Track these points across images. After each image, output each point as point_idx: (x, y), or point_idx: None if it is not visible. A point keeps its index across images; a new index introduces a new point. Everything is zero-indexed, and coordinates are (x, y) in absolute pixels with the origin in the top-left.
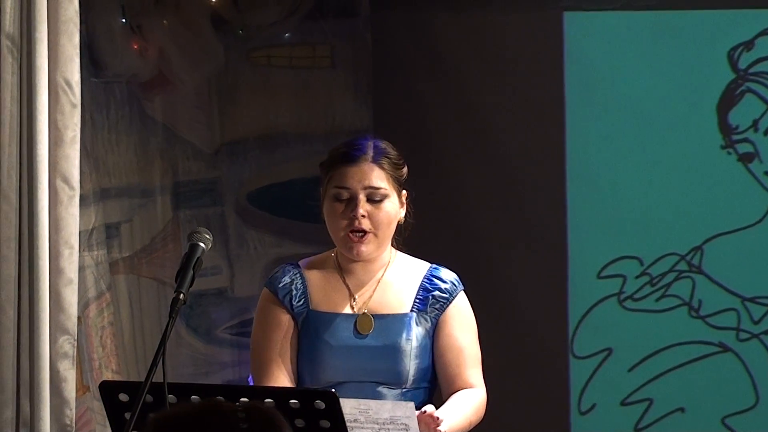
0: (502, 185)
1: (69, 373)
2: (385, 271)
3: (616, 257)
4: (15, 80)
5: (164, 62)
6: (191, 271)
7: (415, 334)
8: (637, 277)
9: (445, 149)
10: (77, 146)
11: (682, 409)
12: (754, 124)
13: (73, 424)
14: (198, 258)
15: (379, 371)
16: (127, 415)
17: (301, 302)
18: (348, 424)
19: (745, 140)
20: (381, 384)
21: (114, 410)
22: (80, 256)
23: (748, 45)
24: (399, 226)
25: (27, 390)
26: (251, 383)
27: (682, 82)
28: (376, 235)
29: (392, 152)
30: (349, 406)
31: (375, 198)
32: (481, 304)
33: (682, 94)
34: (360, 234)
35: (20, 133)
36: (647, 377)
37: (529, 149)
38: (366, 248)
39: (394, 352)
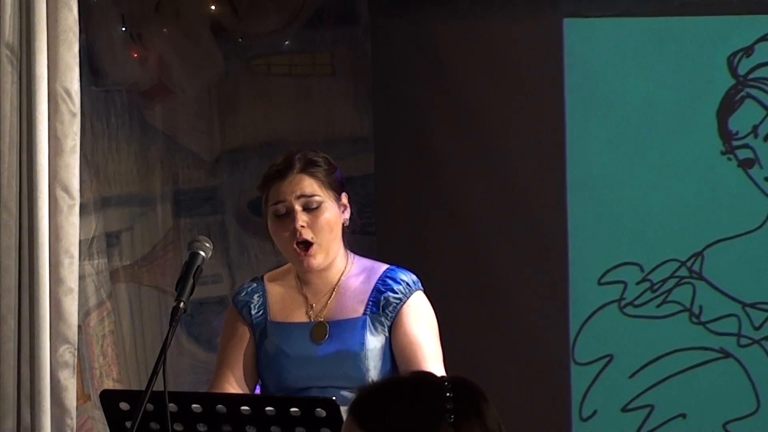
0: (502, 192)
1: (70, 382)
2: (341, 276)
3: (617, 263)
4: (15, 89)
5: (164, 70)
6: (192, 280)
7: (369, 337)
8: (637, 283)
9: (445, 157)
10: (77, 155)
11: (683, 415)
12: (754, 130)
13: None
14: (198, 266)
15: (337, 377)
16: (128, 424)
17: (260, 313)
18: None
19: (745, 146)
20: (343, 388)
21: (115, 419)
22: (80, 265)
23: (748, 51)
24: (345, 228)
25: (28, 399)
26: (255, 392)
27: (681, 88)
28: (320, 244)
29: (319, 159)
30: None
31: (311, 206)
32: (482, 310)
33: (682, 100)
34: (304, 246)
35: (20, 142)
36: (648, 383)
37: (529, 156)
38: (315, 260)
39: (349, 356)
